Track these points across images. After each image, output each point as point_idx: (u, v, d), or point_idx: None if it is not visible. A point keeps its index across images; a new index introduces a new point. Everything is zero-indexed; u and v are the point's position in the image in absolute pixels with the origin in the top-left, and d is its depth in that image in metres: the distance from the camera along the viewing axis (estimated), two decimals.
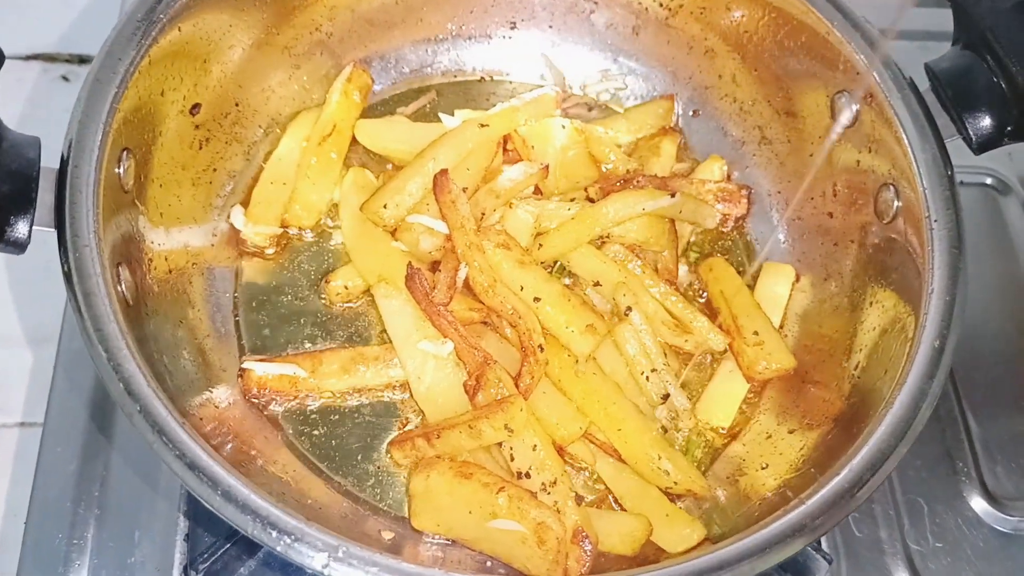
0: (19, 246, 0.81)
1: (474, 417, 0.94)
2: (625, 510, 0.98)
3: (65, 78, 1.44)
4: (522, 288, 1.02)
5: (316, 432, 1.00)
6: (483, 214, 1.06)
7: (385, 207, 1.06)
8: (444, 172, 1.04)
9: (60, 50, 1.45)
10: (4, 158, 0.81)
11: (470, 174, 1.07)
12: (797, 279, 1.12)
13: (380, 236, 1.06)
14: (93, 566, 0.98)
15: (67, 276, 0.81)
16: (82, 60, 1.46)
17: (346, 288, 1.06)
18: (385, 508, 0.97)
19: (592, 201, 1.10)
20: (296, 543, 0.75)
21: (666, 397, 1.02)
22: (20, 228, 0.81)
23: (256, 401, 0.99)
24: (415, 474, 0.95)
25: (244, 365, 1.00)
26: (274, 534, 0.75)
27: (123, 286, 0.86)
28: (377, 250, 1.06)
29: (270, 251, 1.08)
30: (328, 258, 1.09)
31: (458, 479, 0.92)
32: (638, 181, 1.10)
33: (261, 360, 1.00)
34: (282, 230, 1.09)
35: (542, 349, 0.99)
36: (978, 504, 1.10)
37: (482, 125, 1.10)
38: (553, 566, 0.88)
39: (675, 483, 0.97)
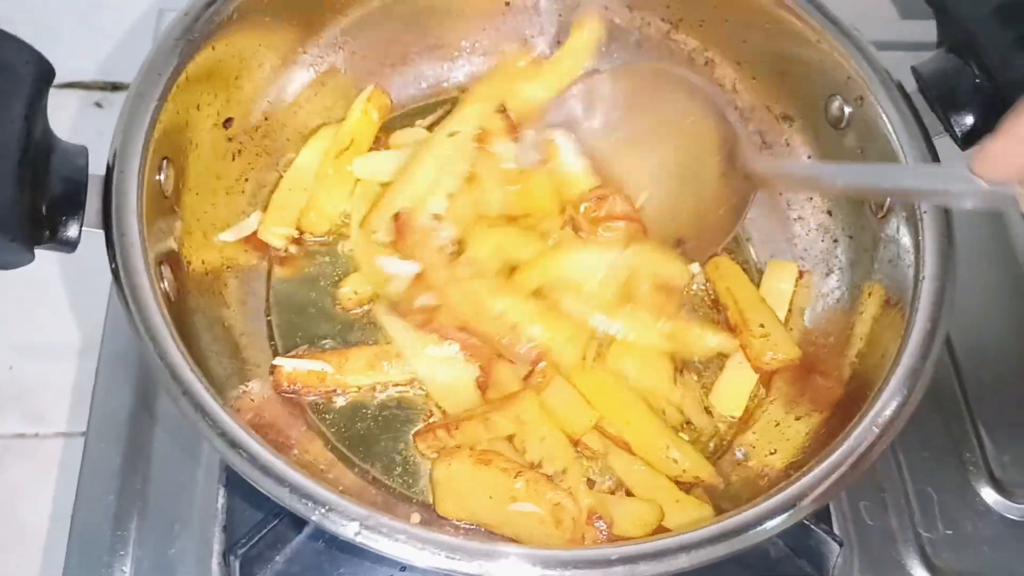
0: (70, 245, 0.88)
1: (488, 410, 0.99)
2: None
3: (98, 104, 1.51)
4: (503, 314, 1.05)
5: (346, 425, 1.05)
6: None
7: (375, 232, 1.12)
8: (399, 216, 1.09)
9: (94, 78, 1.52)
10: (57, 165, 0.88)
11: (452, 180, 1.13)
12: (800, 276, 1.16)
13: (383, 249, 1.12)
14: (136, 557, 1.03)
15: (115, 273, 0.87)
16: (115, 87, 1.53)
17: (356, 293, 1.11)
18: (412, 495, 1.02)
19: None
20: (330, 512, 0.80)
21: (688, 423, 1.08)
22: (71, 228, 0.87)
23: (288, 396, 1.05)
24: (437, 463, 1.00)
25: (275, 362, 1.06)
26: (310, 504, 0.80)
27: (166, 283, 0.92)
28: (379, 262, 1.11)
29: (282, 252, 1.13)
30: (348, 264, 1.15)
31: (478, 466, 0.97)
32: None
33: (291, 357, 1.06)
34: (298, 233, 1.15)
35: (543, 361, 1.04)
36: (987, 493, 1.13)
37: (451, 135, 1.15)
38: (570, 544, 0.93)
39: (683, 471, 1.02)
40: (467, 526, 0.98)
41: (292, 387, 1.05)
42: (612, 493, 1.03)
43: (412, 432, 1.05)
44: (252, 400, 1.00)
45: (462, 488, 0.98)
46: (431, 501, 1.01)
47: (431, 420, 1.06)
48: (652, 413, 1.05)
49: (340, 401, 1.06)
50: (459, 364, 1.05)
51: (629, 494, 1.02)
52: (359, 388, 1.07)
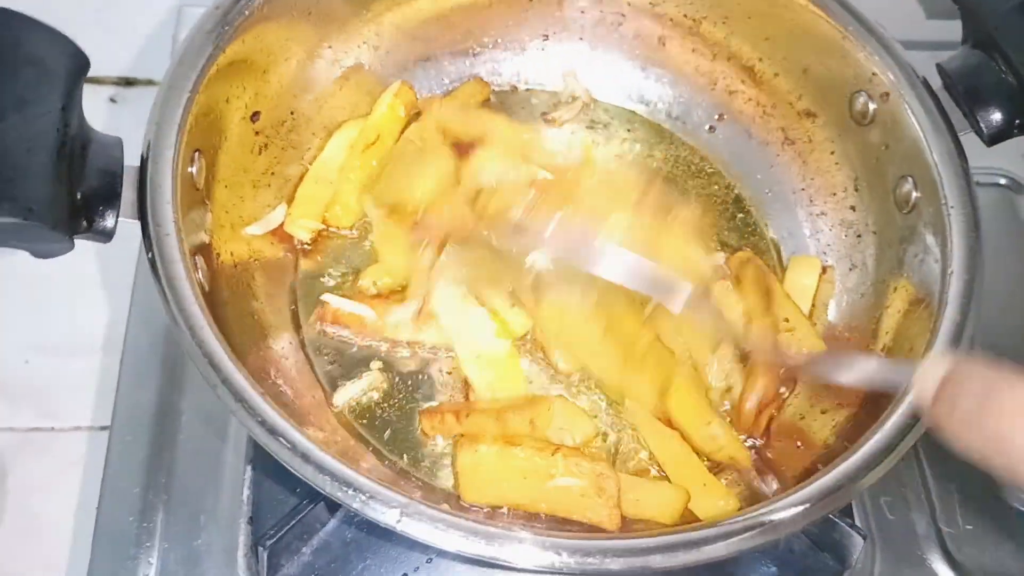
0: (107, 235, 0.88)
1: (505, 407, 1.00)
2: (666, 476, 1.04)
3: (113, 100, 1.51)
4: None
5: (371, 415, 1.05)
6: None
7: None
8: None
9: (108, 73, 1.52)
10: (93, 157, 0.88)
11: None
12: (824, 271, 1.17)
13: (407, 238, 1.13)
14: (163, 549, 1.03)
15: (152, 263, 0.87)
16: (128, 83, 1.53)
17: (375, 285, 1.12)
18: (438, 486, 1.02)
19: None
20: (371, 500, 0.80)
21: (730, 389, 1.08)
22: (108, 219, 0.87)
23: (326, 332, 1.08)
24: (461, 451, 1.00)
25: (322, 298, 1.09)
26: (350, 492, 0.80)
27: (200, 274, 0.92)
28: (404, 250, 1.12)
29: (308, 246, 1.14)
30: (371, 255, 1.15)
31: (508, 448, 0.98)
32: None
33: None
34: (323, 226, 1.15)
35: None
36: (1008, 489, 1.14)
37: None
38: (613, 511, 0.95)
39: (720, 448, 1.03)
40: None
41: (334, 325, 1.07)
42: (644, 472, 1.03)
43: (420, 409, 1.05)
44: (280, 390, 1.00)
45: (492, 473, 0.98)
46: (452, 489, 1.01)
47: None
48: (699, 387, 1.06)
49: (369, 398, 1.06)
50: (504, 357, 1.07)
51: (660, 471, 1.04)
52: (393, 342, 1.08)
